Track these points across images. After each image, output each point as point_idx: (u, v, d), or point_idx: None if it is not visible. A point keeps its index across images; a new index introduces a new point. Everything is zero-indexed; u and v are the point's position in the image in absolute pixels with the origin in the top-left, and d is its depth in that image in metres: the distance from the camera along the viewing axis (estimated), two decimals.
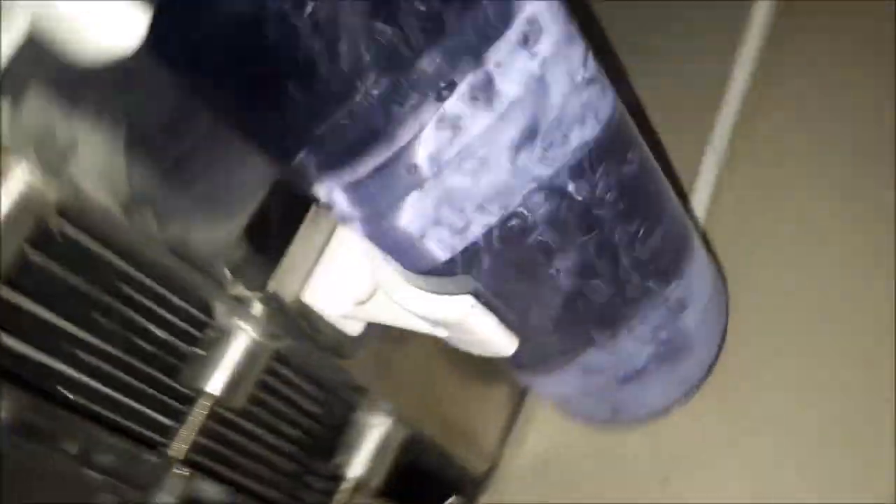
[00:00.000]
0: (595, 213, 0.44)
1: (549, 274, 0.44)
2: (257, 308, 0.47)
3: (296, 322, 0.47)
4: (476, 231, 0.41)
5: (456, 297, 0.40)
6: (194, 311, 0.52)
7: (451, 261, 0.41)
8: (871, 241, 0.59)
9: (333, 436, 0.63)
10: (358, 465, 0.59)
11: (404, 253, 0.41)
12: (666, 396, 0.54)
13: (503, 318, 0.43)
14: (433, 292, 0.41)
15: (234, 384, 0.51)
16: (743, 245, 0.62)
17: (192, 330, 0.53)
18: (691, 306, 0.51)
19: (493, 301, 0.42)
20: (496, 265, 0.43)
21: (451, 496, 0.63)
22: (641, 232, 0.48)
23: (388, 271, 0.44)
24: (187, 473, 0.48)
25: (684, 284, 0.51)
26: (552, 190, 0.41)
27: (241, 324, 0.50)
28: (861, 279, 0.58)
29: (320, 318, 0.47)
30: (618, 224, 0.46)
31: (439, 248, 0.41)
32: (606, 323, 0.49)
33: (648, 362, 0.51)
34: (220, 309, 0.50)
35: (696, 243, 0.53)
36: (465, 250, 0.41)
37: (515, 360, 0.53)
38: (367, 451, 0.59)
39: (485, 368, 0.62)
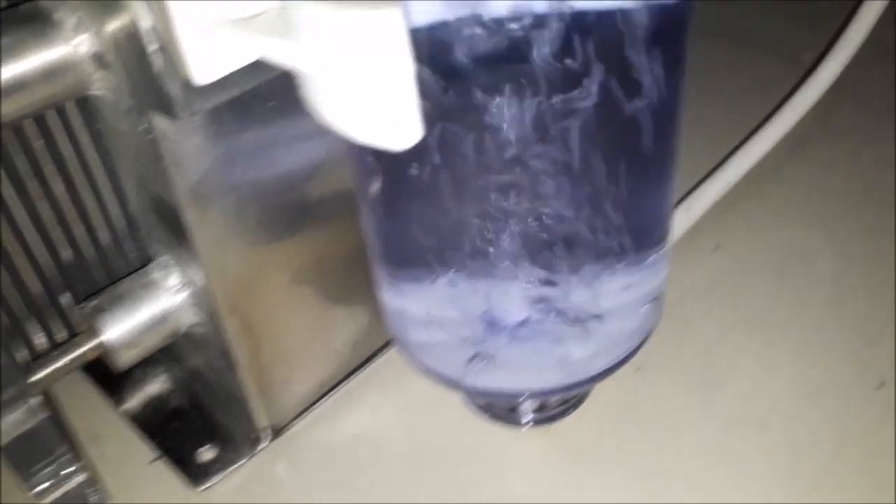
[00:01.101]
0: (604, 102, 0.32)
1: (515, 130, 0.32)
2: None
3: (136, 32, 0.32)
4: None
5: (384, 6, 0.26)
6: None
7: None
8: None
9: (105, 273, 0.45)
10: (114, 326, 0.41)
11: None
12: (527, 378, 0.39)
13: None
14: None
15: (17, 84, 0.35)
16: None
17: None
18: (623, 301, 0.38)
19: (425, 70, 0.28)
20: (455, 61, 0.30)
21: (206, 443, 0.44)
22: (638, 171, 0.36)
23: None
24: None
25: (642, 268, 0.37)
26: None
27: (71, 14, 0.35)
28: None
29: (171, 33, 0.31)
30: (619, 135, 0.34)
31: None
32: (524, 251, 0.34)
33: (537, 322, 0.36)
34: None
35: (666, 244, 0.40)
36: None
37: (390, 242, 0.37)
38: (136, 316, 0.41)
39: (343, 306, 0.46)
